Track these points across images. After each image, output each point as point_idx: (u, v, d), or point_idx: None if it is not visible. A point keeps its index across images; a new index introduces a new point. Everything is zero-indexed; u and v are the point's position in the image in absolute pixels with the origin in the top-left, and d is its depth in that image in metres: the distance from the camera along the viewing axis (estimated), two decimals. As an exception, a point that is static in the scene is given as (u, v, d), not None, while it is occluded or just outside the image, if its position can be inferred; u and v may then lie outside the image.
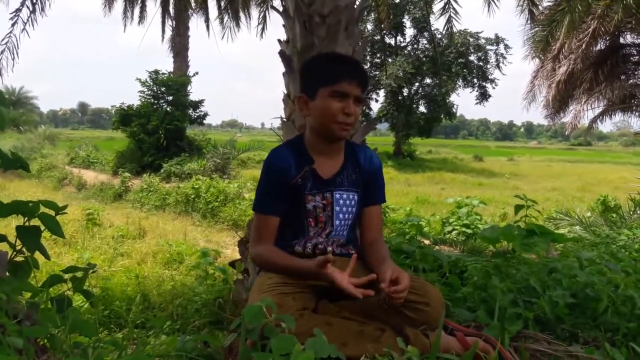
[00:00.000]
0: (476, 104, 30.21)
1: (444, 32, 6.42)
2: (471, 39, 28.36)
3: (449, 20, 5.94)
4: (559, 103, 11.88)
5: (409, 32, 29.42)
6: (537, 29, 9.89)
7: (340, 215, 1.84)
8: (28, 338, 1.13)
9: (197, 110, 19.20)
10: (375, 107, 30.40)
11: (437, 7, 6.14)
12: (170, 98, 18.14)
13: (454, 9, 5.85)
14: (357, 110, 1.76)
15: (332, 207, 1.83)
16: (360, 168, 1.90)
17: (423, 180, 22.11)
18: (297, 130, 2.99)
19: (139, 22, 21.12)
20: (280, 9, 3.32)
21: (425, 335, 1.62)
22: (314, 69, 1.83)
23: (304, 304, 1.61)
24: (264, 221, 1.83)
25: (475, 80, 29.39)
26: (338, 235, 1.86)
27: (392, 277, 1.58)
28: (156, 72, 18.25)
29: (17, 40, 6.59)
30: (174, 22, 21.22)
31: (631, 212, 8.28)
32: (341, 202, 1.84)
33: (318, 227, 1.83)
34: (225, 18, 19.38)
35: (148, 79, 18.07)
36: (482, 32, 28.83)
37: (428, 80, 29.76)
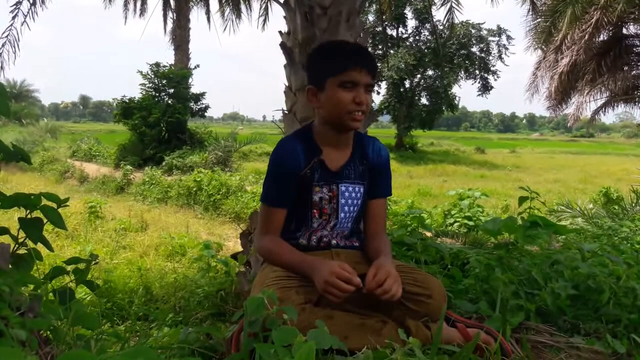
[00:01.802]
0: (478, 95, 30.13)
1: (445, 23, 6.38)
2: (473, 30, 28.21)
3: (449, 11, 5.90)
4: (562, 94, 11.82)
5: (411, 23, 29.29)
6: (539, 19, 9.86)
7: (346, 208, 1.82)
8: (31, 330, 1.13)
9: (199, 103, 19.19)
10: (377, 99, 30.30)
11: (438, -3, 6.11)
12: (172, 91, 18.12)
13: (455, -1, 5.81)
14: (368, 98, 1.71)
15: (338, 200, 1.81)
16: (368, 160, 1.87)
17: (425, 172, 22.09)
18: (299, 123, 2.99)
19: (140, 15, 21.16)
20: (282, 0, 3.30)
21: (427, 327, 1.63)
22: (321, 59, 1.77)
23: (307, 297, 1.60)
24: (271, 213, 1.80)
25: (477, 71, 29.27)
26: (342, 227, 1.85)
27: (376, 283, 1.54)
28: (157, 64, 18.22)
29: (18, 34, 6.59)
30: (175, 15, 21.18)
31: (633, 204, 8.28)
32: (347, 194, 1.82)
33: (322, 219, 1.82)
34: (226, 10, 19.36)
35: (149, 72, 18.04)
36: (484, 23, 28.72)
37: (430, 72, 29.65)
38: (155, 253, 6.96)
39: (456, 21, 6.22)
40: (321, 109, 1.76)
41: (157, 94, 18.21)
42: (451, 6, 5.86)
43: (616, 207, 8.82)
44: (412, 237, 2.83)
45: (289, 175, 1.76)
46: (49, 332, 1.30)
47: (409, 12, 28.43)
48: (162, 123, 17.43)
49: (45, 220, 1.42)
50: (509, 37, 28.79)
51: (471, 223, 8.32)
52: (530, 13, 9.12)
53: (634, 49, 11.23)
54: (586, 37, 10.07)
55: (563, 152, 41.48)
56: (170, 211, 11.32)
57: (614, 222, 6.87)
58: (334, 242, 1.82)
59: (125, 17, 20.80)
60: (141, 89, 18.20)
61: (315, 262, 1.64)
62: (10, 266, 1.37)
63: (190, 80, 18.77)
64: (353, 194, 1.83)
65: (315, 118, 1.84)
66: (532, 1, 8.03)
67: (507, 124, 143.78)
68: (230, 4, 18.98)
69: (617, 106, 12.30)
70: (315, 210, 1.81)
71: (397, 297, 1.54)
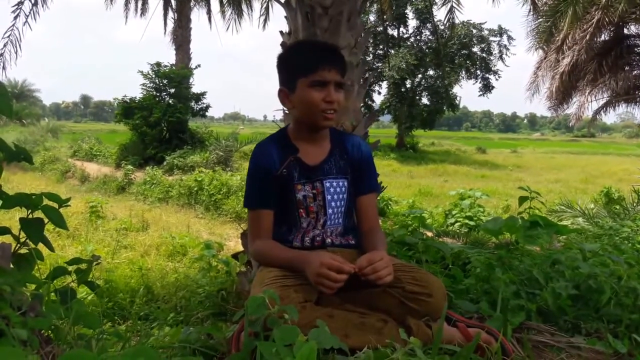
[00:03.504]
0: (479, 95, 30.15)
1: (445, 23, 6.38)
2: (474, 30, 28.22)
3: (450, 11, 5.90)
4: (563, 94, 11.82)
5: (412, 23, 29.28)
6: (540, 19, 9.84)
7: (333, 204, 1.83)
8: (32, 329, 1.13)
9: (199, 103, 19.18)
10: (377, 99, 30.33)
11: (439, -3, 6.11)
12: (173, 90, 18.10)
13: (456, -1, 5.82)
14: (339, 96, 1.74)
15: (324, 196, 1.82)
16: (348, 155, 1.88)
17: (426, 172, 22.10)
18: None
19: (140, 15, 21.22)
20: (283, 0, 3.30)
21: (428, 327, 1.63)
22: (290, 61, 1.81)
23: (306, 296, 1.59)
24: (257, 216, 1.82)
25: (478, 71, 29.30)
26: (334, 224, 1.85)
27: (368, 261, 1.55)
28: (158, 64, 18.20)
29: (19, 34, 6.60)
30: (176, 15, 21.20)
31: (634, 204, 8.26)
32: (332, 190, 1.83)
33: (310, 217, 1.82)
34: (228, 10, 19.39)
35: (150, 72, 18.03)
36: (485, 23, 28.78)
37: (431, 72, 29.65)
38: (156, 253, 6.96)
39: (457, 21, 6.24)
40: (294, 110, 1.80)
41: (158, 94, 18.20)
42: (452, 6, 5.87)
43: (617, 207, 8.80)
44: (413, 237, 2.83)
45: (266, 176, 1.79)
46: (50, 332, 1.30)
47: (410, 12, 28.43)
48: (163, 123, 17.43)
49: (46, 220, 1.42)
50: (510, 37, 28.86)
51: (472, 223, 8.32)
52: (532, 13, 9.11)
53: (635, 49, 11.22)
54: (587, 37, 10.05)
55: (564, 152, 41.43)
56: (171, 211, 11.32)
57: (615, 222, 6.85)
58: (328, 240, 1.82)
59: (126, 17, 20.86)
60: (142, 88, 18.21)
61: (306, 255, 1.65)
62: (11, 266, 1.38)
63: (191, 79, 18.78)
64: (338, 189, 1.85)
65: (291, 120, 1.87)
66: (533, 1, 8.03)
67: (508, 124, 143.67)
68: (232, 3, 19.00)
69: (619, 106, 12.30)
70: (301, 210, 1.82)
71: (385, 282, 1.55)
